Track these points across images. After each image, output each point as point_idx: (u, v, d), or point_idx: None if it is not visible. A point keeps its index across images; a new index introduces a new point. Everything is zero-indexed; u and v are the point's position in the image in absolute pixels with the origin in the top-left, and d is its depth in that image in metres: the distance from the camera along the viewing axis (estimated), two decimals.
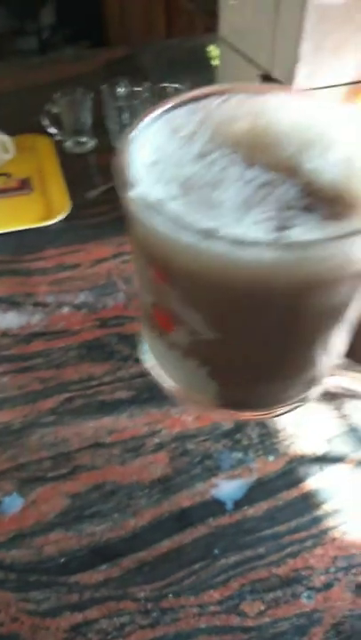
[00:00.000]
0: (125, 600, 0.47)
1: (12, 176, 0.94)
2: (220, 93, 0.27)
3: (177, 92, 0.94)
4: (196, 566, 0.49)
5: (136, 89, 0.97)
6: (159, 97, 0.96)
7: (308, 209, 0.21)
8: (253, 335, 0.23)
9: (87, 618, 0.46)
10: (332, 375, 0.28)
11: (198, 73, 1.21)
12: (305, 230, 0.20)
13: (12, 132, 0.95)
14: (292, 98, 0.27)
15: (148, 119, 0.25)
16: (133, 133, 0.24)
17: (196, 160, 0.23)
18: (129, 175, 0.22)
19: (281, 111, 0.26)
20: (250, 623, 0.46)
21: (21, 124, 1.03)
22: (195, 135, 0.24)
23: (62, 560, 0.49)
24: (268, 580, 0.48)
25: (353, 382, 0.28)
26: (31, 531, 0.51)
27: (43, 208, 0.87)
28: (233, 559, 0.49)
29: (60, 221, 0.84)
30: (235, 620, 0.46)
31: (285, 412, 0.28)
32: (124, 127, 0.97)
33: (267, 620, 0.46)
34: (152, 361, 0.28)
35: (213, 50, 1.38)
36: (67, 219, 0.85)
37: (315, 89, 0.75)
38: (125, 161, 0.23)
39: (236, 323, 0.22)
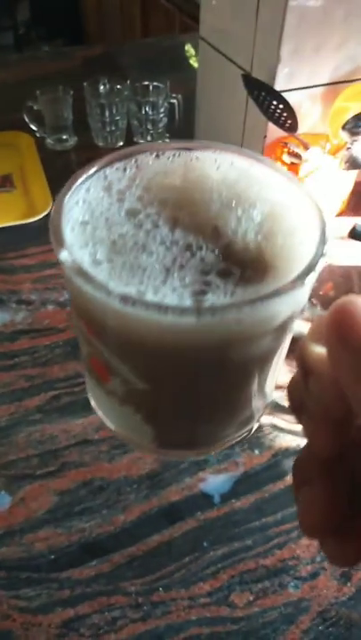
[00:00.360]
0: (116, 595, 0.48)
1: None
2: (154, 149, 0.27)
3: (157, 89, 0.95)
4: (186, 559, 0.50)
5: (117, 87, 0.97)
6: (141, 95, 0.96)
7: (224, 273, 0.22)
8: (183, 386, 0.24)
9: (79, 613, 0.47)
10: (266, 413, 0.29)
11: (177, 72, 1.21)
12: (218, 296, 0.21)
13: None
14: (224, 153, 0.28)
15: (83, 177, 0.25)
16: (67, 192, 0.24)
17: (126, 220, 0.24)
18: (60, 236, 0.22)
19: (211, 167, 0.27)
20: (239, 613, 0.47)
21: (2, 120, 1.02)
22: (126, 193, 0.25)
23: (52, 557, 0.50)
24: (256, 570, 0.49)
25: (282, 422, 0.30)
26: (20, 528, 0.51)
27: (25, 205, 0.87)
28: (222, 551, 0.50)
29: (43, 218, 0.84)
30: (225, 611, 0.47)
31: (224, 449, 0.30)
32: (107, 124, 0.97)
33: (256, 609, 0.47)
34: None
35: (191, 49, 1.38)
36: (49, 216, 0.85)
37: (295, 89, 0.77)
38: (58, 221, 0.23)
39: (165, 375, 0.24)
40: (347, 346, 0.17)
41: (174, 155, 0.27)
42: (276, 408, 0.29)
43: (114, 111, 0.96)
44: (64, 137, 1.00)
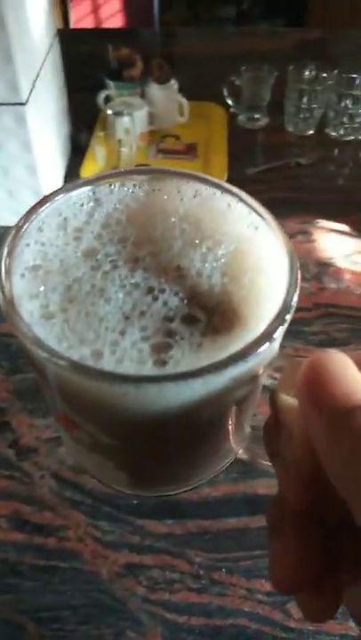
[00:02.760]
0: (181, 559, 0.49)
1: (181, 139, 0.97)
2: (114, 180, 0.25)
3: None
4: (256, 552, 0.50)
5: (323, 75, 0.94)
6: (346, 87, 0.92)
7: (188, 320, 0.20)
8: (152, 442, 0.23)
9: (143, 562, 0.49)
10: (242, 449, 0.27)
11: None
12: (183, 351, 0.19)
13: (190, 96, 0.98)
14: (188, 181, 0.25)
15: (34, 215, 0.23)
16: (17, 235, 0.22)
17: (82, 262, 0.22)
18: (8, 285, 0.20)
19: (173, 199, 0.24)
20: (292, 624, 0.46)
21: (201, 90, 1.05)
22: (83, 230, 0.23)
23: (135, 502, 0.52)
24: None
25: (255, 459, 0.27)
26: None
27: None
28: None
29: None
30: (277, 616, 0.46)
31: (203, 483, 0.28)
32: (301, 110, 0.95)
33: (309, 627, 0.46)
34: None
35: None
36: None
37: None
38: (6, 266, 0.21)
39: (130, 434, 0.22)
40: (320, 407, 0.16)
41: (135, 185, 0.25)
42: (252, 443, 0.26)
43: (312, 98, 0.94)
44: (256, 116, 1.00)
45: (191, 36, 1.46)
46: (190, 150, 0.95)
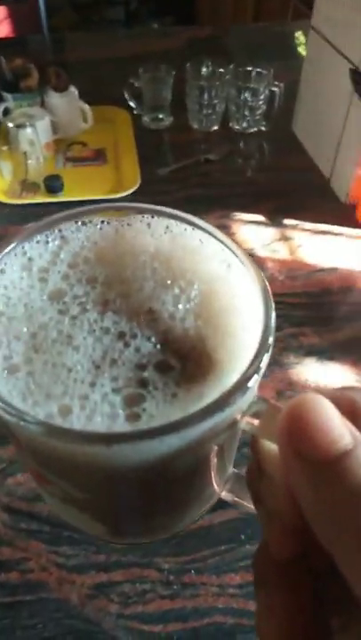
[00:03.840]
0: (150, 568, 0.49)
1: (88, 145, 0.96)
2: (80, 217, 0.24)
3: (259, 76, 0.93)
4: (222, 548, 0.50)
5: (220, 70, 0.96)
6: (243, 80, 0.95)
7: (161, 368, 0.19)
8: (127, 496, 0.22)
9: (111, 579, 0.48)
10: (224, 492, 0.27)
11: (283, 59, 1.19)
12: (157, 403, 0.18)
13: (92, 101, 0.97)
14: (158, 217, 0.24)
15: (1, 251, 0.22)
16: None
17: (49, 306, 0.20)
18: None
19: (143, 235, 0.24)
20: None
21: (102, 94, 1.05)
22: (49, 271, 0.22)
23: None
24: None
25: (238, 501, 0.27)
26: None
27: (114, 181, 0.89)
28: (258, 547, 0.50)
29: (129, 195, 0.85)
30: (252, 606, 0.47)
31: (185, 528, 0.28)
32: (204, 107, 0.97)
33: None
34: None
35: (301, 37, 1.35)
36: (135, 193, 0.86)
37: None
38: None
39: (103, 489, 0.21)
40: (300, 458, 0.16)
41: (103, 222, 0.24)
42: (235, 484, 0.26)
43: (213, 94, 0.95)
44: (160, 116, 1.01)
45: (82, 40, 1.44)
46: (99, 156, 0.94)
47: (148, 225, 0.24)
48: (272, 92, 0.95)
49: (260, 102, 0.96)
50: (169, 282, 0.22)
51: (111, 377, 0.19)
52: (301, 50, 1.29)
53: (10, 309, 0.21)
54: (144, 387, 0.19)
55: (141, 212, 0.24)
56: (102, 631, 0.46)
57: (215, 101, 0.97)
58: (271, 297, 0.21)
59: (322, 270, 0.77)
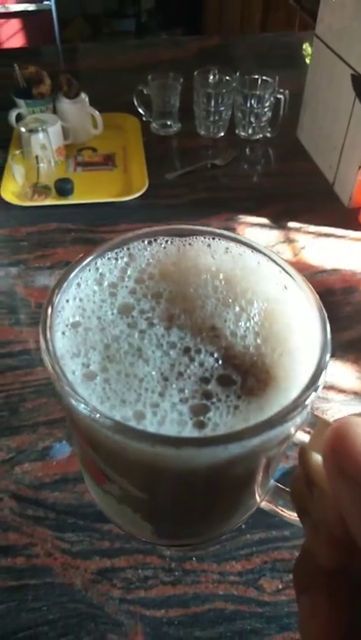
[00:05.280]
0: (152, 555, 0.50)
1: (98, 151, 0.98)
2: (147, 237, 0.26)
3: (265, 84, 0.95)
4: (223, 536, 0.51)
5: (226, 78, 0.99)
6: (249, 88, 0.97)
7: (224, 382, 0.21)
8: (183, 499, 0.23)
9: (115, 565, 0.50)
10: (264, 502, 0.28)
11: (289, 68, 1.21)
12: (221, 413, 0.20)
13: (102, 108, 0.99)
14: (218, 239, 0.26)
15: (75, 270, 0.24)
16: (59, 289, 0.23)
17: (119, 320, 0.22)
18: (50, 342, 0.21)
19: (205, 254, 0.25)
20: (266, 598, 0.48)
21: (112, 102, 1.07)
22: (118, 286, 0.24)
23: (99, 508, 0.53)
24: (289, 561, 0.50)
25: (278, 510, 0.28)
26: (75, 477, 0.55)
27: (122, 184, 0.91)
28: (258, 536, 0.51)
29: (137, 198, 0.87)
30: (252, 593, 0.48)
31: (223, 537, 0.29)
32: (211, 114, 0.99)
33: (283, 598, 0.48)
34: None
35: (308, 47, 1.37)
36: (143, 197, 0.88)
37: None
38: (48, 322, 0.21)
39: (162, 490, 0.22)
40: (345, 478, 0.16)
41: (167, 241, 0.26)
42: (275, 494, 0.27)
43: (220, 101, 0.98)
44: (168, 122, 1.03)
45: (94, 50, 1.47)
46: (108, 161, 0.96)
47: (209, 246, 0.25)
48: (277, 100, 0.97)
49: (266, 109, 0.99)
50: (230, 300, 0.23)
51: (178, 388, 0.20)
52: (308, 60, 1.32)
53: (85, 321, 0.22)
54: (208, 398, 0.20)
55: (202, 234, 0.26)
56: (105, 615, 0.47)
57: (222, 109, 0.99)
58: (327, 318, 0.22)
59: (324, 271, 0.78)
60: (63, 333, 0.22)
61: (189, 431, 0.19)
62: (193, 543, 0.29)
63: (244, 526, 0.52)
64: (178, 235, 0.26)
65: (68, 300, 0.23)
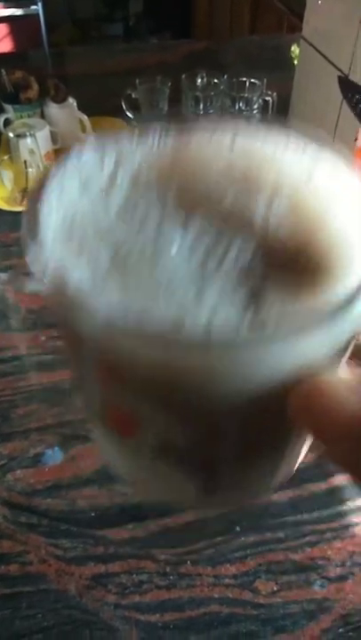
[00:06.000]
0: (146, 560, 0.50)
1: None
2: (134, 134, 0.21)
3: (253, 86, 0.96)
4: (217, 539, 0.51)
5: (214, 81, 0.99)
6: (237, 90, 0.97)
7: (273, 271, 0.17)
8: (228, 430, 0.19)
9: (109, 570, 0.49)
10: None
11: (278, 70, 1.21)
12: (274, 315, 0.16)
13: (90, 112, 0.99)
14: (220, 133, 0.21)
15: (54, 172, 0.20)
16: (40, 191, 0.19)
17: (121, 220, 0.18)
18: (41, 250, 0.17)
19: (209, 150, 0.21)
20: (261, 600, 0.48)
21: (101, 106, 1.07)
22: (110, 189, 0.19)
23: (93, 514, 0.53)
24: (284, 563, 0.50)
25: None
26: (68, 483, 0.54)
27: None
28: (253, 538, 0.51)
29: None
30: (247, 596, 0.48)
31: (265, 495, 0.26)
32: (200, 116, 0.99)
33: (278, 600, 0.48)
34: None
35: (296, 50, 1.38)
36: None
37: None
38: (34, 229, 0.17)
39: (207, 422, 0.18)
40: None
41: (160, 138, 0.21)
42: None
43: (208, 104, 0.98)
44: None
45: (82, 54, 1.47)
46: None
47: (214, 138, 0.21)
48: (265, 102, 0.97)
49: (255, 111, 0.99)
50: (252, 191, 0.19)
51: (219, 288, 0.17)
52: (296, 62, 1.32)
53: (82, 223, 0.18)
54: (255, 296, 0.17)
55: (205, 125, 0.22)
56: (100, 621, 0.47)
57: (210, 111, 0.99)
58: None
59: None
60: (54, 241, 0.18)
61: (244, 332, 0.16)
62: (240, 504, 0.26)
63: (238, 529, 0.52)
64: (173, 130, 0.21)
65: (54, 205, 0.19)
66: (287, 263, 0.18)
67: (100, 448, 0.24)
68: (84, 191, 0.19)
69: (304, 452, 0.24)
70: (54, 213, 0.18)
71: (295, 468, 0.25)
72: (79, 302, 0.16)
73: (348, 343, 0.18)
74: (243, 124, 0.22)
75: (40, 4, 2.30)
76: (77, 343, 0.18)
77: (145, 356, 0.16)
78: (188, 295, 0.16)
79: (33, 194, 0.19)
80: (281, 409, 0.17)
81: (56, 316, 0.17)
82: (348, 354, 0.19)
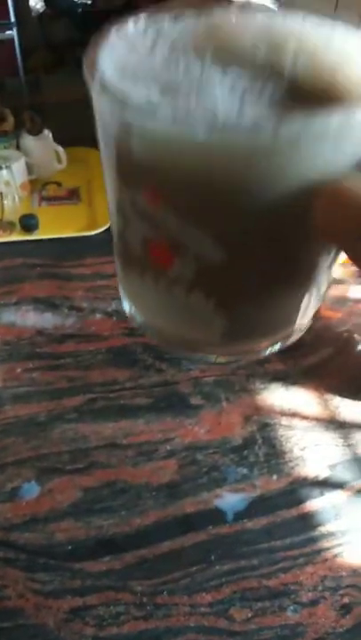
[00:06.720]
0: (123, 592, 0.51)
1: (63, 185, 1.00)
2: (172, 11, 0.25)
3: None
4: (193, 569, 0.52)
5: None
6: None
7: (303, 101, 0.20)
8: (270, 242, 0.22)
9: (86, 603, 0.50)
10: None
11: None
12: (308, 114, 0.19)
13: (65, 143, 1.01)
14: (247, 12, 0.26)
15: (107, 34, 0.23)
16: (98, 40, 0.22)
17: (167, 68, 0.21)
18: (103, 79, 0.19)
19: (239, 23, 0.25)
20: (236, 628, 0.49)
21: (75, 135, 1.09)
22: (154, 50, 0.22)
23: (70, 547, 0.53)
24: (258, 590, 0.51)
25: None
26: (45, 517, 0.55)
27: (87, 218, 0.93)
28: (227, 567, 0.53)
29: (103, 232, 0.89)
30: (222, 623, 0.49)
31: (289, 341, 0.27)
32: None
33: (253, 626, 0.49)
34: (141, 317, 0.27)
35: None
36: (109, 230, 0.90)
37: None
38: (96, 65, 0.20)
39: (251, 231, 0.21)
40: None
41: (194, 17, 0.25)
42: None
43: None
44: None
45: (57, 83, 1.50)
46: (73, 195, 0.98)
47: (244, 16, 0.25)
48: None
49: None
50: (280, 49, 0.23)
51: (257, 104, 0.19)
52: None
53: (133, 68, 0.21)
54: (290, 108, 0.19)
55: (234, 6, 0.26)
56: None
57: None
58: None
59: None
60: (113, 74, 0.20)
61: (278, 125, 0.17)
62: (260, 347, 0.27)
63: (213, 557, 0.53)
64: (205, 11, 0.25)
65: (103, 59, 0.21)
66: (313, 99, 0.20)
67: (131, 298, 0.26)
68: (131, 51, 0.22)
69: (320, 293, 0.25)
70: (108, 62, 0.21)
71: (308, 320, 0.26)
72: (135, 106, 0.18)
73: None
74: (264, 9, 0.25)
75: (15, 29, 2.33)
76: (135, 167, 0.19)
77: (188, 159, 0.18)
78: (230, 112, 0.19)
79: (90, 48, 0.21)
80: (307, 218, 0.19)
81: (109, 132, 0.19)
82: None
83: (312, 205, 0.19)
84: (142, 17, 0.24)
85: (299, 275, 0.24)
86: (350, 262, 0.18)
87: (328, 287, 0.26)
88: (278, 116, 0.19)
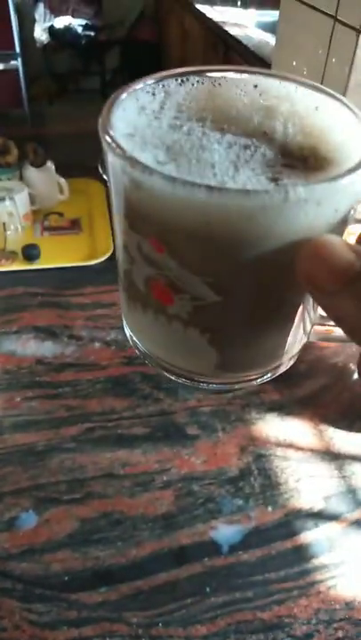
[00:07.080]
0: (119, 623, 0.51)
1: (65, 216, 1.02)
2: (178, 76, 0.28)
3: None
4: (188, 601, 0.53)
5: None
6: None
7: (289, 165, 0.23)
8: (260, 286, 0.24)
9: (82, 635, 0.50)
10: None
11: None
12: (295, 180, 0.22)
13: (68, 174, 1.04)
14: (246, 77, 0.29)
15: (120, 96, 0.25)
16: (113, 102, 0.24)
17: (172, 131, 0.24)
18: (115, 140, 0.21)
19: (237, 88, 0.28)
20: None
21: (77, 167, 1.12)
22: (161, 112, 0.25)
23: (66, 578, 0.54)
24: (252, 622, 0.52)
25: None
26: (41, 547, 0.56)
27: (88, 248, 0.95)
28: (222, 599, 0.53)
29: (103, 262, 0.91)
30: None
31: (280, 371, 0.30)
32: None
33: None
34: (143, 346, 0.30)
35: None
36: (109, 259, 0.92)
37: None
38: (110, 126, 0.22)
39: (244, 275, 0.23)
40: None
41: (198, 81, 0.28)
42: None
43: None
44: None
45: (60, 114, 1.54)
46: (75, 225, 1.00)
47: (237, 84, 0.28)
48: None
49: None
50: (273, 114, 0.26)
51: (250, 168, 0.22)
52: None
53: (139, 133, 0.23)
54: (280, 174, 0.22)
55: (234, 70, 0.28)
56: None
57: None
58: None
59: None
60: (123, 137, 0.22)
61: (271, 190, 0.20)
62: (254, 371, 0.29)
63: (208, 589, 0.54)
64: (207, 75, 0.28)
65: (115, 120, 0.24)
66: (300, 162, 0.23)
67: (133, 329, 0.28)
68: (140, 113, 0.25)
69: (305, 331, 0.27)
70: (120, 122, 0.23)
71: (295, 354, 0.28)
72: (144, 168, 0.20)
73: (348, 213, 0.22)
74: (266, 74, 0.28)
75: (20, 59, 2.40)
76: (140, 217, 0.22)
77: (190, 214, 0.20)
78: (227, 173, 0.21)
79: (105, 108, 0.24)
80: (293, 268, 0.21)
81: (119, 184, 0.21)
82: (347, 226, 0.23)
83: (294, 253, 0.21)
84: (151, 79, 0.27)
85: (285, 316, 0.26)
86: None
87: (313, 325, 0.28)
88: (269, 183, 0.21)
